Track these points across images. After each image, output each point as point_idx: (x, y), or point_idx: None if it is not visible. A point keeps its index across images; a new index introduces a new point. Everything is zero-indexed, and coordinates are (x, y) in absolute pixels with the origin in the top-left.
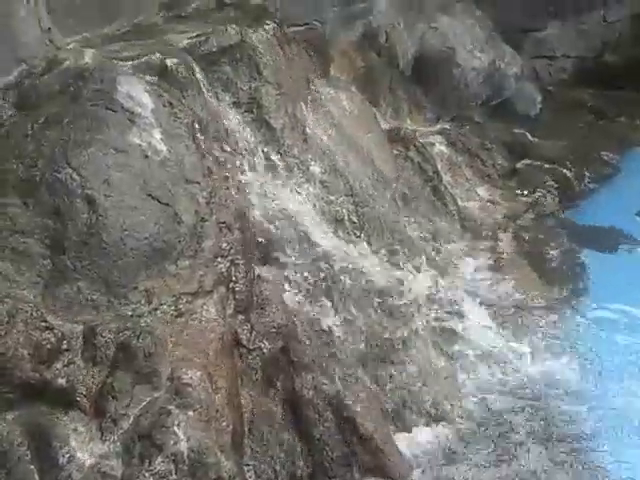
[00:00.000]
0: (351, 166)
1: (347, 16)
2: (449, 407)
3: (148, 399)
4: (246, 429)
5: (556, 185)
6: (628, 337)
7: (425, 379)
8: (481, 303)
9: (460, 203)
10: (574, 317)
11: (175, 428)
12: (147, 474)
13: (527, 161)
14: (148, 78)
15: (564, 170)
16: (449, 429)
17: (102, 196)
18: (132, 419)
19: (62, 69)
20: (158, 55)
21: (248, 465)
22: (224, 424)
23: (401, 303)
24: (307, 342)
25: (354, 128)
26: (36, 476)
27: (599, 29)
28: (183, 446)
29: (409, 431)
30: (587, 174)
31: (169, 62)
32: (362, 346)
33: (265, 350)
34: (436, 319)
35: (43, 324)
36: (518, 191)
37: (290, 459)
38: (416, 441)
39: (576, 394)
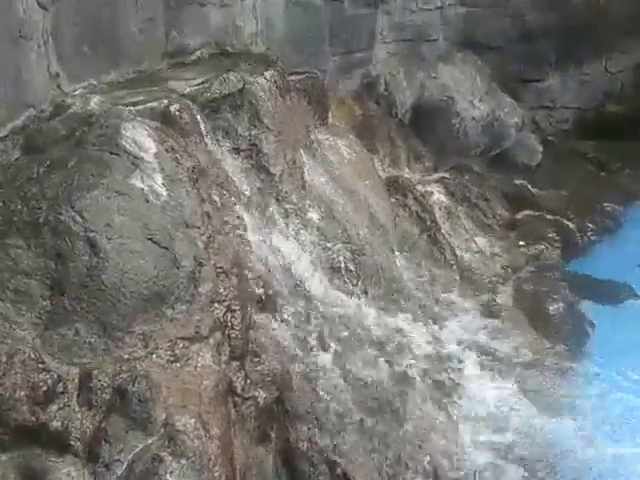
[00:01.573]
0: (348, 213)
1: (347, 65)
2: (447, 465)
3: (141, 445)
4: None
5: (557, 237)
6: (630, 395)
7: (422, 435)
8: (480, 357)
9: (459, 253)
10: (575, 373)
11: (168, 476)
12: None
13: (528, 212)
14: (152, 124)
15: (566, 221)
16: None
17: (104, 239)
18: (125, 465)
19: (68, 114)
20: (162, 101)
21: None
22: (217, 474)
23: (398, 354)
24: (302, 392)
25: (352, 175)
26: None
27: (601, 80)
28: None
29: None
30: (589, 226)
31: (172, 108)
32: (358, 398)
33: (260, 399)
34: (434, 372)
35: (40, 366)
36: (518, 242)
37: None
38: None
39: (573, 453)
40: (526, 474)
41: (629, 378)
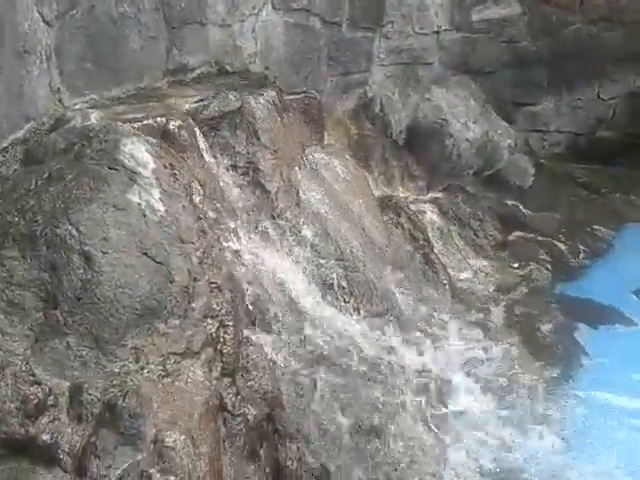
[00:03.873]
0: (342, 231)
1: (344, 86)
2: None
3: (130, 461)
4: None
5: (549, 258)
6: (620, 420)
7: (412, 456)
8: (471, 377)
9: (451, 272)
10: (566, 397)
11: None
12: None
13: (520, 233)
14: (150, 139)
15: (558, 244)
16: None
17: (99, 253)
18: None
19: (68, 128)
20: (161, 118)
21: None
22: None
23: (390, 374)
24: (292, 410)
25: (346, 194)
26: None
27: (593, 106)
28: None
29: None
30: (581, 248)
31: (171, 125)
32: (349, 417)
33: (250, 416)
34: (425, 392)
35: (31, 378)
36: (511, 263)
37: None
38: None
39: (560, 475)
40: None
41: (615, 403)
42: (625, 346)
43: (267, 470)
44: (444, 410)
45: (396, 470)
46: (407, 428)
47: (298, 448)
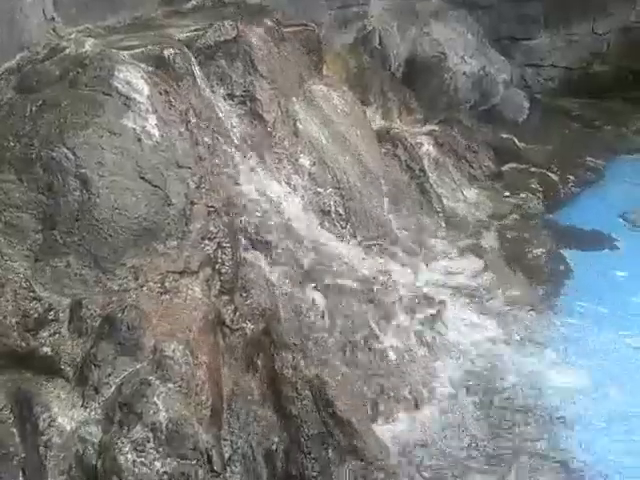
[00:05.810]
0: (339, 161)
1: (342, 19)
2: (426, 395)
3: (130, 370)
4: (225, 405)
5: (541, 188)
6: (606, 335)
7: (404, 367)
8: (462, 296)
9: (445, 202)
10: (554, 314)
11: (155, 399)
12: (125, 441)
13: (513, 164)
14: (145, 67)
15: (550, 174)
16: (426, 416)
17: (95, 175)
18: (113, 388)
19: (62, 56)
20: (156, 46)
21: (225, 440)
22: (204, 398)
23: (383, 292)
24: (289, 325)
25: (344, 125)
26: (17, 439)
27: (588, 40)
28: (162, 416)
29: (387, 417)
30: (572, 178)
31: (166, 52)
32: (343, 332)
33: (248, 331)
34: (417, 310)
35: (31, 294)
36: (503, 192)
37: (266, 435)
38: (393, 426)
39: (549, 387)
40: (501, 404)
41: (602, 317)
42: (610, 267)
43: (264, 379)
44: (435, 326)
45: (389, 381)
46: (399, 341)
47: (293, 357)
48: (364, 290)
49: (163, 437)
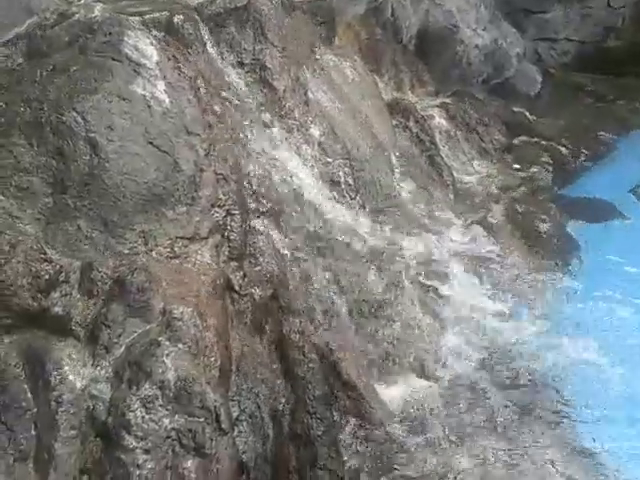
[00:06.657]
0: (350, 131)
1: None
2: (431, 362)
3: (140, 330)
4: (233, 367)
5: (551, 161)
6: (612, 306)
7: (409, 335)
8: (469, 267)
9: (456, 174)
10: (561, 286)
11: (164, 358)
12: (134, 398)
13: (524, 138)
14: (155, 33)
15: (560, 147)
16: (429, 382)
17: (105, 140)
18: (123, 348)
19: (72, 22)
20: (165, 12)
21: (233, 400)
22: (212, 359)
23: (391, 262)
24: (297, 291)
25: (355, 95)
26: (29, 395)
27: (603, 14)
28: (171, 375)
29: (391, 382)
30: (583, 152)
31: (176, 19)
32: (350, 300)
33: (256, 296)
34: (423, 279)
35: (42, 256)
36: (513, 165)
37: (273, 396)
38: (397, 392)
39: (551, 357)
40: (502, 373)
41: (610, 290)
42: (619, 240)
43: (272, 342)
44: (441, 295)
45: (394, 348)
46: (405, 310)
47: (301, 322)
48: (372, 259)
49: (171, 395)
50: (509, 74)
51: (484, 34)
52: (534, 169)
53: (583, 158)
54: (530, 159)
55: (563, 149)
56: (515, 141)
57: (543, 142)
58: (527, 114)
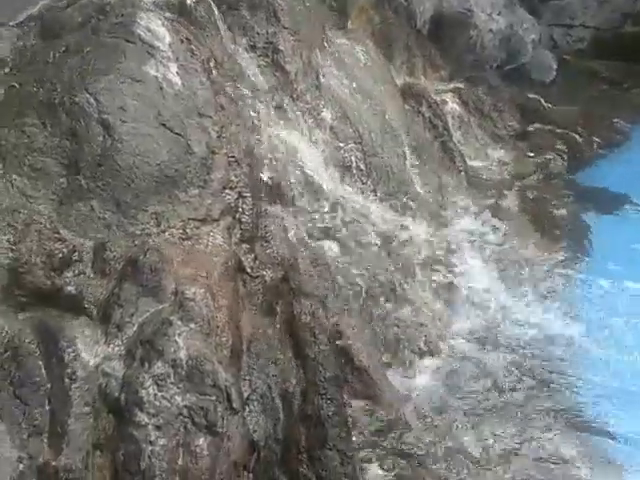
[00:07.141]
0: (362, 116)
1: None
2: (441, 346)
3: (152, 310)
4: (245, 347)
5: (566, 149)
6: (623, 296)
7: (420, 319)
8: (480, 253)
9: (468, 160)
10: (572, 272)
11: (176, 337)
12: (146, 376)
13: (539, 125)
14: (167, 15)
15: (575, 135)
16: (440, 366)
17: (117, 121)
18: (136, 327)
19: (84, 3)
20: None
21: (244, 379)
22: (224, 339)
23: (402, 247)
24: (307, 274)
25: (367, 80)
26: (43, 370)
27: (620, 0)
28: (182, 353)
29: (401, 365)
30: (597, 140)
31: (188, 1)
32: (362, 284)
33: (267, 278)
34: (434, 264)
35: (56, 235)
36: (527, 152)
37: (284, 376)
38: (407, 375)
39: (560, 341)
40: (512, 356)
41: (620, 277)
42: (631, 229)
43: (283, 324)
44: (452, 279)
45: (405, 332)
46: (416, 294)
47: (312, 305)
48: (383, 244)
49: (183, 373)
50: (524, 60)
51: (499, 19)
52: (548, 156)
53: (597, 146)
54: (544, 146)
55: (577, 137)
56: (529, 128)
57: (557, 129)
58: (542, 101)
